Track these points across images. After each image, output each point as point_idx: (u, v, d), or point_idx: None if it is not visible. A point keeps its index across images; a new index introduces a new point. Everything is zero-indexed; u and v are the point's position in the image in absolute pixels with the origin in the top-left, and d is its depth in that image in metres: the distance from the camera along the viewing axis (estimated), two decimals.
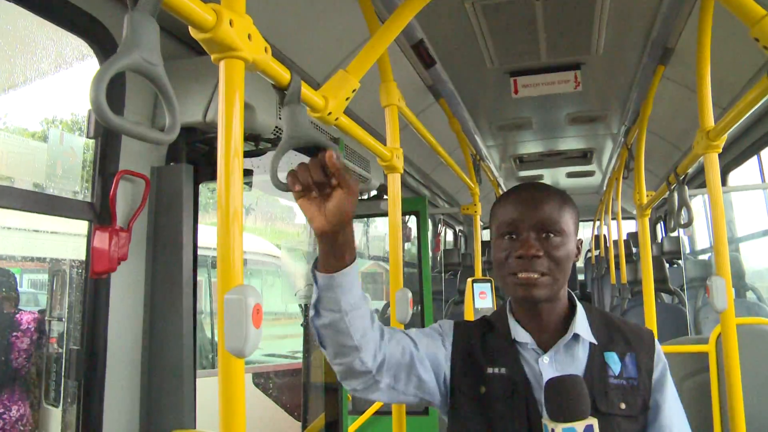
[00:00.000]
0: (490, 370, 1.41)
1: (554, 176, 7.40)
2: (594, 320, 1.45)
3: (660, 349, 1.44)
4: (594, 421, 1.19)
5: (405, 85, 2.59)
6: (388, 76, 2.03)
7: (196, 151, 2.40)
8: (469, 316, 3.44)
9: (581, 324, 1.41)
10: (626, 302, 5.04)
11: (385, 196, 3.81)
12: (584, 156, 6.27)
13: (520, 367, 1.40)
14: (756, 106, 1.63)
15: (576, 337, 1.39)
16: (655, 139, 4.69)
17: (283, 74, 1.16)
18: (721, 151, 1.96)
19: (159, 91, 0.90)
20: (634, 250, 8.19)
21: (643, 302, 3.28)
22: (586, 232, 11.51)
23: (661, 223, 8.47)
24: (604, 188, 7.55)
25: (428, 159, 4.99)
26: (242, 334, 0.86)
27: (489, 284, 3.50)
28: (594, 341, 1.40)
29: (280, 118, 2.36)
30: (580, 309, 1.44)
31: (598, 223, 8.99)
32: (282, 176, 1.15)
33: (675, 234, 7.13)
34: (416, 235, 4.05)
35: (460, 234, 9.52)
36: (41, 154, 2.24)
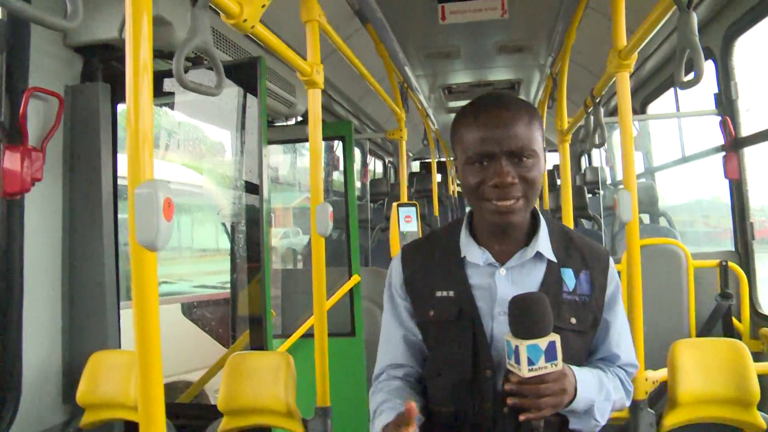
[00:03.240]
0: (438, 293, 1.41)
1: None
2: (554, 235, 1.42)
3: (614, 269, 1.44)
4: (556, 338, 1.21)
5: (331, 7, 2.54)
6: None
7: (112, 70, 2.32)
8: (395, 240, 3.52)
9: (543, 241, 1.39)
10: None
11: None
12: (512, 87, 6.35)
13: (466, 288, 1.39)
14: (660, 24, 1.69)
15: (538, 254, 1.38)
16: (578, 69, 4.80)
17: None
18: (632, 70, 2.03)
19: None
20: (558, 181, 8.44)
21: None
22: None
23: (586, 156, 8.74)
24: None
25: (356, 87, 4.97)
26: (153, 227, 0.88)
27: (414, 208, 3.57)
28: (554, 259, 1.39)
29: None
30: (543, 226, 1.41)
31: None
32: (189, 78, 1.13)
33: (596, 165, 7.39)
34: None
35: (389, 165, 9.58)
36: None
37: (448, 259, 1.43)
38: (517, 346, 1.20)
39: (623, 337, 1.46)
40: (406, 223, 3.51)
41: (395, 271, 1.51)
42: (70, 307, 2.21)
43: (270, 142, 3.58)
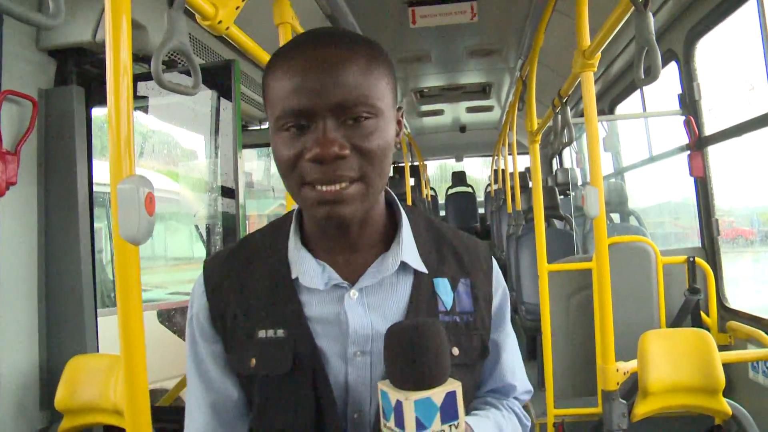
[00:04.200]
0: (261, 334, 0.96)
1: (455, 111, 7.59)
2: (420, 234, 1.04)
3: (498, 269, 1.11)
4: (457, 385, 0.83)
5: (303, 12, 2.57)
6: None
7: (86, 74, 2.33)
8: None
9: (408, 245, 1.00)
10: (521, 228, 5.31)
11: None
12: (483, 90, 6.44)
13: (302, 324, 0.96)
14: (620, 24, 1.75)
15: (402, 265, 0.98)
16: (547, 71, 4.89)
17: None
18: (596, 69, 2.10)
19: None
20: (530, 184, 8.57)
21: (534, 227, 3.48)
22: (485, 170, 11.88)
23: (557, 158, 8.87)
24: (502, 123, 7.80)
25: None
26: (136, 221, 0.91)
27: None
28: (424, 269, 1.00)
29: None
30: (405, 223, 1.02)
31: (496, 157, 9.31)
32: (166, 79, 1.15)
33: (567, 167, 7.51)
34: None
35: None
36: None
37: (272, 281, 0.98)
38: (399, 402, 0.81)
39: (516, 360, 1.14)
40: None
41: (197, 298, 1.02)
42: (46, 312, 2.20)
43: (244, 146, 3.59)
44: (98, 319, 2.37)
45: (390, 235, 1.01)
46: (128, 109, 0.97)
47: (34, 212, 2.19)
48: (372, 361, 0.95)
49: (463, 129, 8.82)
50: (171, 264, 6.72)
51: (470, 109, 7.44)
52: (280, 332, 0.95)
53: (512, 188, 6.73)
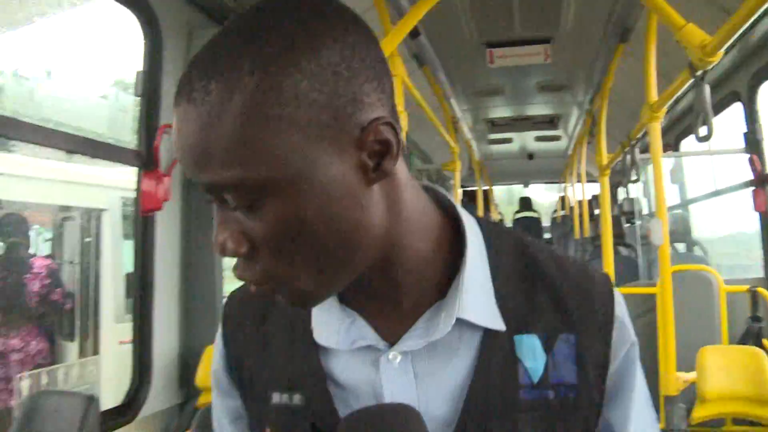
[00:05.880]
0: (276, 398, 0.75)
1: (523, 139, 7.87)
2: (504, 267, 0.72)
3: (624, 317, 0.73)
4: None
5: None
6: (395, 50, 2.42)
7: None
8: None
9: (474, 290, 0.69)
10: (587, 254, 5.56)
11: None
12: (551, 121, 6.72)
13: (323, 391, 0.72)
14: (684, 88, 2.06)
15: (461, 322, 0.68)
16: (616, 107, 5.15)
17: None
18: (661, 120, 2.39)
19: None
20: (596, 211, 8.75)
21: (603, 253, 3.75)
22: (549, 195, 12.06)
23: (623, 188, 9.03)
24: (570, 152, 8.04)
25: (409, 121, 5.41)
26: None
27: None
28: (499, 325, 0.69)
29: None
30: (473, 258, 0.70)
31: (563, 185, 9.52)
32: None
33: (633, 196, 7.69)
34: None
35: None
36: (103, 110, 2.57)
37: (290, 330, 0.75)
38: None
39: None
40: None
41: (216, 341, 0.83)
42: (185, 308, 2.64)
43: None
44: None
45: (453, 272, 0.69)
46: None
47: (179, 223, 2.63)
48: None
49: (530, 156, 9.07)
50: None
51: (538, 138, 7.72)
52: (297, 398, 0.74)
53: (580, 215, 6.95)
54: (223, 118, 0.54)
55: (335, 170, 0.57)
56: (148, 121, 2.45)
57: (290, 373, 0.74)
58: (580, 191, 7.35)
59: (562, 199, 9.62)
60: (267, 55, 0.54)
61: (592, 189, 8.65)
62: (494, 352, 0.69)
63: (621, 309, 0.74)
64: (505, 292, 0.71)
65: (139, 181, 2.42)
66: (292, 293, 0.63)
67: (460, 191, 10.38)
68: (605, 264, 3.65)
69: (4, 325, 4.40)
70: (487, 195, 9.45)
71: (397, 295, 0.70)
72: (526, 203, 11.07)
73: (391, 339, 0.70)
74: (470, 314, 0.67)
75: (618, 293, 0.75)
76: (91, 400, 1.70)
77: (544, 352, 0.70)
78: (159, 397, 2.46)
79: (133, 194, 2.49)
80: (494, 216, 9.49)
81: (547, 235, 11.09)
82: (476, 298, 0.68)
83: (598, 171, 3.96)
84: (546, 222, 11.51)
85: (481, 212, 7.33)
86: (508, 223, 11.40)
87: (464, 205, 6.86)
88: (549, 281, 0.72)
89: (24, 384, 3.96)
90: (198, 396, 2.49)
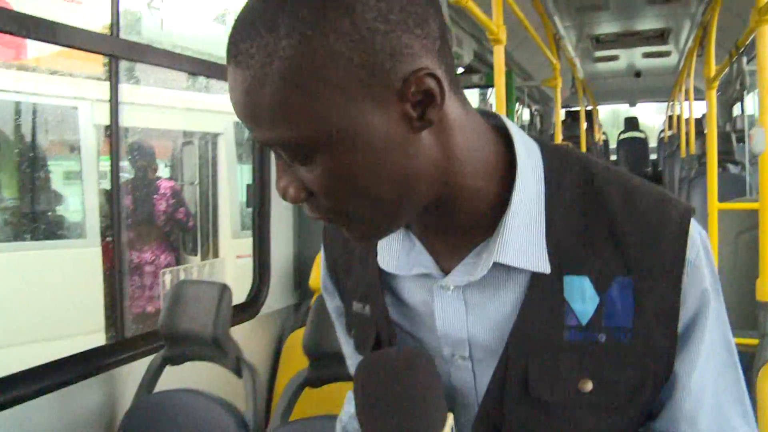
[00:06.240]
0: (355, 306, 0.83)
1: (631, 56, 7.59)
2: (562, 201, 0.69)
3: (702, 257, 0.69)
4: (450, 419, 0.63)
5: None
6: None
7: None
8: None
9: (518, 231, 0.67)
10: (693, 171, 5.42)
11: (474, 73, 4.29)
12: (661, 36, 6.45)
13: (382, 308, 0.78)
14: None
15: (500, 266, 0.68)
16: (730, 17, 4.90)
17: None
18: None
19: None
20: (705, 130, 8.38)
21: (707, 171, 3.68)
22: (658, 117, 11.56)
23: (739, 104, 8.57)
24: (680, 68, 7.70)
25: (509, 38, 5.38)
26: None
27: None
28: (544, 267, 0.68)
29: None
30: (522, 192, 0.67)
31: (672, 103, 9.14)
32: None
33: (749, 113, 7.32)
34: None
35: (535, 113, 9.86)
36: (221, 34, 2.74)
37: (364, 251, 0.80)
38: None
39: (711, 407, 0.70)
40: None
41: (321, 253, 0.90)
42: (299, 219, 2.89)
43: None
44: None
45: (506, 208, 0.68)
46: None
47: None
48: (475, 370, 0.73)
49: (638, 74, 8.74)
50: None
51: (646, 55, 7.42)
52: (367, 309, 0.80)
53: (687, 133, 6.73)
54: (265, 82, 0.56)
55: (378, 124, 0.58)
56: None
57: (363, 288, 0.80)
58: (688, 109, 7.07)
59: (670, 118, 9.26)
60: (302, 18, 0.55)
61: (702, 107, 8.28)
62: (540, 292, 0.68)
63: (696, 251, 0.68)
64: (559, 229, 0.69)
65: None
66: (353, 231, 0.66)
67: (562, 111, 10.24)
68: (709, 181, 3.59)
69: (137, 241, 4.89)
70: (590, 115, 9.24)
71: (453, 229, 0.71)
72: (632, 123, 10.72)
73: (447, 268, 0.72)
74: (510, 257, 0.67)
75: (698, 235, 0.69)
76: (225, 288, 1.96)
77: (596, 294, 0.68)
78: (276, 298, 2.75)
79: None
80: (598, 137, 9.29)
81: (653, 156, 10.76)
82: (522, 237, 0.67)
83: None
84: (653, 143, 11.14)
85: (583, 133, 7.20)
86: (613, 145, 11.13)
87: (568, 124, 6.80)
88: (611, 218, 0.68)
89: (166, 278, 4.44)
90: (311, 297, 2.76)
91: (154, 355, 1.98)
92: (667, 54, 7.34)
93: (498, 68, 2.54)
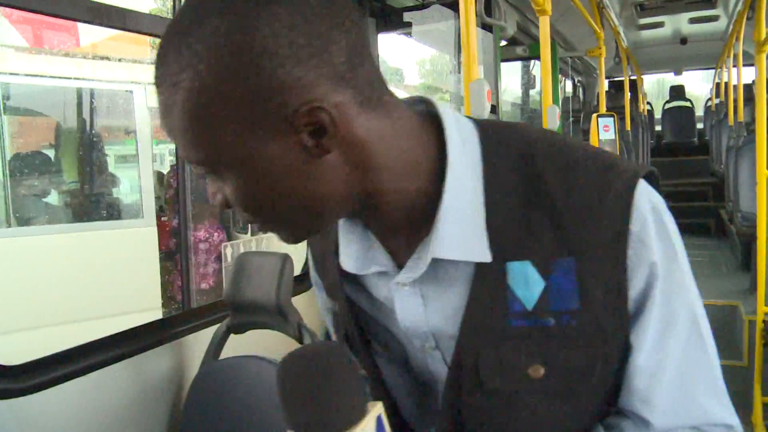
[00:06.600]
0: (329, 303, 0.89)
1: (676, 22, 7.42)
2: (500, 185, 0.69)
3: (647, 228, 0.67)
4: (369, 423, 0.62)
5: None
6: None
7: (374, 6, 2.96)
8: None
9: (455, 223, 0.68)
10: (741, 139, 5.33)
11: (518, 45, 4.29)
12: (709, 0, 6.30)
13: (345, 308, 0.83)
14: None
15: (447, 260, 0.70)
16: None
17: None
18: None
19: None
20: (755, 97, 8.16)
21: (756, 138, 3.64)
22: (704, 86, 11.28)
23: None
24: (728, 33, 7.51)
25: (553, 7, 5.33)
26: (482, 106, 1.47)
27: (612, 119, 3.97)
28: (483, 256, 0.68)
29: None
30: (454, 185, 0.68)
31: (719, 70, 8.93)
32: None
33: None
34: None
35: (578, 84, 9.74)
36: None
37: (331, 252, 0.83)
38: None
39: (670, 382, 0.69)
40: (605, 132, 3.94)
41: (308, 249, 0.95)
42: None
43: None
44: None
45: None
46: (472, 30, 1.52)
47: None
48: (446, 359, 0.76)
49: (684, 41, 8.53)
50: None
51: (693, 20, 7.25)
52: (337, 306, 0.85)
53: (735, 101, 6.59)
54: (172, 110, 0.61)
55: (275, 153, 0.61)
56: None
57: (330, 287, 0.85)
58: (736, 75, 6.91)
59: (717, 85, 9.05)
60: (198, 53, 0.59)
61: (751, 73, 8.08)
62: (485, 281, 0.69)
63: (642, 222, 0.66)
64: (499, 216, 0.68)
65: None
66: (278, 235, 0.71)
67: (605, 81, 10.09)
68: (758, 149, 3.55)
69: (192, 220, 5.04)
70: (635, 85, 9.09)
71: (395, 228, 0.73)
72: (677, 92, 10.49)
73: (403, 264, 0.74)
74: (448, 251, 0.68)
75: (647, 203, 0.67)
76: (287, 258, 2.03)
77: (541, 279, 0.67)
78: None
79: None
80: (642, 107, 9.13)
81: (699, 125, 10.54)
82: (460, 229, 0.68)
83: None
84: (699, 112, 10.90)
85: (627, 104, 7.11)
86: (658, 115, 10.91)
87: (611, 94, 6.72)
88: (551, 199, 0.67)
89: (227, 251, 4.58)
90: None
91: (219, 324, 2.08)
92: (715, 18, 7.16)
93: (544, 40, 2.56)
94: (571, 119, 7.84)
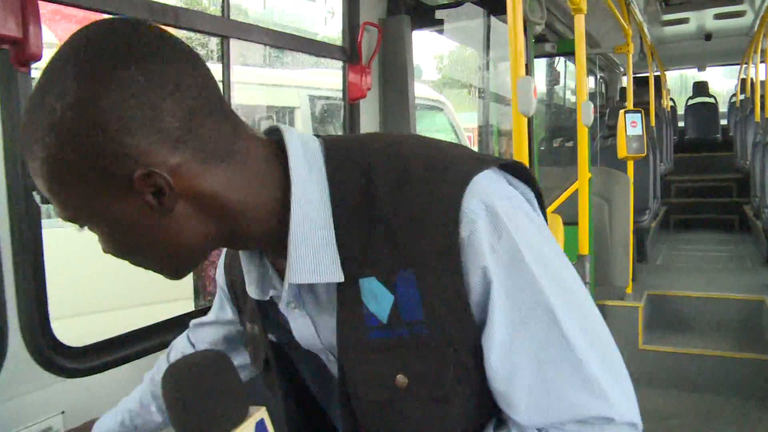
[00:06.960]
0: (248, 326, 0.95)
1: (701, 18, 7.40)
2: (343, 204, 0.73)
3: (481, 232, 0.68)
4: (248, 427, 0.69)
5: None
6: None
7: (409, 4, 3.02)
8: (622, 143, 3.98)
9: (307, 248, 0.72)
10: (767, 137, 5.33)
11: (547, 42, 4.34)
12: None
13: (260, 327, 0.91)
14: None
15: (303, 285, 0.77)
16: None
17: None
18: None
19: None
20: None
21: None
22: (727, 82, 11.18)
23: None
24: (755, 29, 7.47)
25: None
26: (529, 100, 1.53)
27: (639, 114, 4.00)
28: (335, 276, 0.72)
29: None
30: (300, 212, 0.72)
31: (745, 66, 8.87)
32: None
33: None
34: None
35: (601, 80, 9.73)
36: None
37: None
38: None
39: (538, 380, 0.69)
40: (632, 127, 3.97)
41: (220, 269, 1.04)
42: None
43: None
44: None
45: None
46: (519, 28, 1.57)
47: (377, 112, 2.97)
48: None
49: (708, 37, 8.50)
50: None
51: (718, 16, 7.23)
52: (256, 329, 0.91)
53: (762, 96, 6.57)
54: (36, 172, 0.67)
55: (123, 211, 0.68)
56: (351, 20, 2.75)
57: (249, 310, 0.92)
58: (763, 71, 6.88)
59: (743, 81, 8.99)
60: (43, 127, 0.64)
61: None
62: (345, 299, 0.74)
63: (471, 227, 0.67)
64: (346, 236, 0.72)
65: (345, 74, 2.76)
66: (154, 272, 0.77)
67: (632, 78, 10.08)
68: None
69: None
70: (658, 81, 9.06)
71: (276, 255, 0.79)
72: (701, 88, 10.43)
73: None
74: (303, 275, 0.72)
75: (478, 204, 0.68)
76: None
77: (389, 292, 0.70)
78: None
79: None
80: (666, 103, 9.11)
81: (723, 122, 10.49)
82: (312, 252, 0.71)
83: None
84: (722, 108, 10.83)
85: (652, 100, 7.11)
86: (681, 111, 10.86)
87: (634, 92, 6.71)
88: (385, 215, 0.70)
89: None
90: None
91: None
92: (741, 14, 7.13)
93: (579, 37, 2.61)
94: (597, 114, 7.85)
